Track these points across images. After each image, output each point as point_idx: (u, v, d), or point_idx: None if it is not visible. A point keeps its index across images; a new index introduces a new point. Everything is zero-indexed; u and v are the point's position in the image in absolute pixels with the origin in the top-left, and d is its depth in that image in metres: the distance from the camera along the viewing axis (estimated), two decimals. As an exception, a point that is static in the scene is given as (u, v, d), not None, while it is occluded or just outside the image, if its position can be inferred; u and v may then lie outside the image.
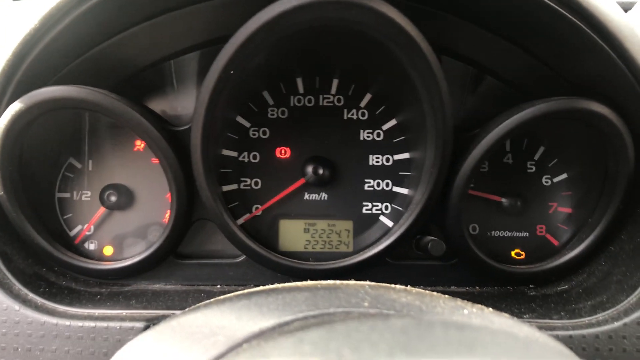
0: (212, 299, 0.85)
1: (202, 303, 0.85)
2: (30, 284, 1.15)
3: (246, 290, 0.85)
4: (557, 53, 1.23)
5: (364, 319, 0.57)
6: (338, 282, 0.85)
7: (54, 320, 1.05)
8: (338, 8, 1.07)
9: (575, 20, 1.06)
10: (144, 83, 1.40)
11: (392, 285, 0.84)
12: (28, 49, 1.10)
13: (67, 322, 1.05)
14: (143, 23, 1.21)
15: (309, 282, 0.86)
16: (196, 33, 1.26)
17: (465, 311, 0.74)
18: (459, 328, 0.49)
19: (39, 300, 1.11)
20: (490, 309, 0.78)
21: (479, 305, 0.78)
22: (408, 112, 1.38)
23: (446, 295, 0.82)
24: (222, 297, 0.85)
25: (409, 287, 0.84)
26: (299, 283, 0.86)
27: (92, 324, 1.05)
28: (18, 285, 1.13)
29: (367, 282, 0.85)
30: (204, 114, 1.18)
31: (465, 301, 0.80)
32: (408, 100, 1.33)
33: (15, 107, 1.12)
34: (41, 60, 1.13)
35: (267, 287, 0.85)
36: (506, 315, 0.76)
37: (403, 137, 1.44)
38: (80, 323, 1.05)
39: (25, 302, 1.09)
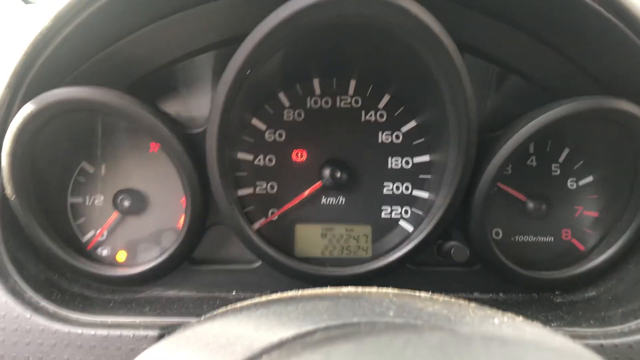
0: (229, 307, 0.82)
1: (218, 311, 0.82)
2: (43, 290, 1.13)
3: (264, 298, 0.82)
4: (587, 50, 1.20)
5: (394, 333, 0.53)
6: (360, 289, 0.82)
7: (65, 328, 1.03)
8: (358, 4, 1.04)
9: (609, 16, 1.03)
10: (158, 84, 1.37)
11: (418, 293, 0.80)
12: (40, 48, 1.08)
13: (79, 331, 1.03)
14: (157, 22, 1.19)
15: (330, 289, 0.83)
16: (211, 32, 1.23)
17: (496, 320, 0.70)
18: (501, 343, 0.45)
19: (51, 307, 1.09)
20: (521, 317, 0.74)
21: (509, 314, 0.75)
22: (428, 113, 1.35)
23: (473, 303, 0.78)
24: (238, 304, 0.82)
25: (435, 295, 0.80)
26: (319, 290, 0.83)
27: (104, 332, 1.02)
28: (30, 292, 1.10)
29: (391, 290, 0.82)
30: (219, 116, 1.16)
31: (494, 309, 0.76)
32: (429, 100, 1.30)
33: (27, 109, 1.10)
34: (53, 60, 1.12)
35: (286, 294, 0.82)
36: (539, 324, 0.72)
37: (423, 139, 1.41)
38: (92, 331, 1.02)
39: (37, 309, 1.06)
